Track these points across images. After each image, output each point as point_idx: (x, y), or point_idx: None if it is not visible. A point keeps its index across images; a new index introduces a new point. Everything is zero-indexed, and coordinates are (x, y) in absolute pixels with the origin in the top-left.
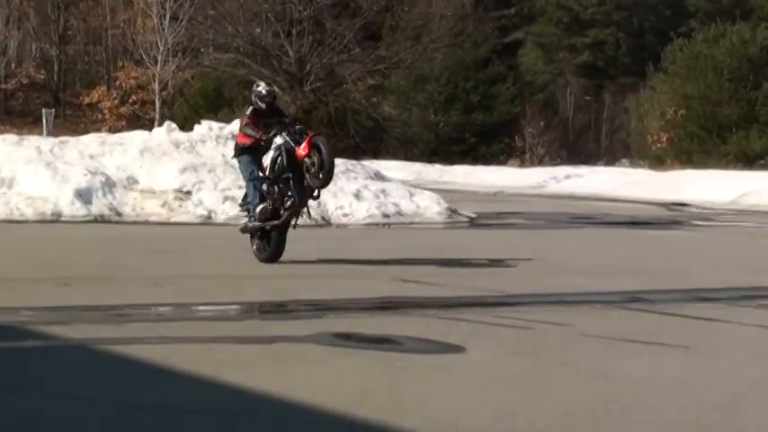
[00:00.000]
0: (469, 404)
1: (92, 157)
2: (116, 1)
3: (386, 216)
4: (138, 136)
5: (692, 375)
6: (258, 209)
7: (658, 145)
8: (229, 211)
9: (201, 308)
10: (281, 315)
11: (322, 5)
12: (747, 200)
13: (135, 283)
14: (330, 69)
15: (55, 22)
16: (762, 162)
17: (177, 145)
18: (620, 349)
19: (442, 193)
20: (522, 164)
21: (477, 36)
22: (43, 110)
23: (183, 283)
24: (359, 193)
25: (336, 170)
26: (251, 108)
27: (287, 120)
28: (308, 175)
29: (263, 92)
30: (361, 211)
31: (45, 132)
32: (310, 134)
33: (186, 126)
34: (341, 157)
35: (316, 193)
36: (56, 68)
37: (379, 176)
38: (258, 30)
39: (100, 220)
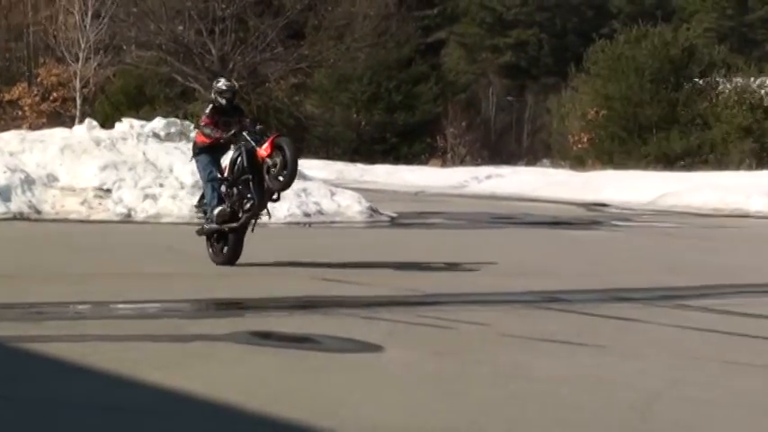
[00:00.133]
0: (387, 403)
1: (11, 154)
2: None
3: (307, 215)
4: (59, 133)
5: (609, 375)
6: (216, 211)
7: (579, 145)
8: (149, 209)
9: (120, 306)
10: (201, 314)
11: (245, 4)
12: (666, 200)
13: (54, 281)
14: (253, 68)
15: None
16: (682, 163)
17: (98, 143)
18: (539, 349)
19: (364, 192)
20: (444, 164)
21: (400, 36)
22: None
23: (103, 281)
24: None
25: None
26: (210, 106)
27: (247, 119)
28: (267, 177)
29: (223, 87)
30: (281, 210)
31: None
32: (274, 134)
33: (107, 124)
34: None
35: (275, 195)
36: None
37: (300, 175)
38: (181, 27)
39: (19, 217)
